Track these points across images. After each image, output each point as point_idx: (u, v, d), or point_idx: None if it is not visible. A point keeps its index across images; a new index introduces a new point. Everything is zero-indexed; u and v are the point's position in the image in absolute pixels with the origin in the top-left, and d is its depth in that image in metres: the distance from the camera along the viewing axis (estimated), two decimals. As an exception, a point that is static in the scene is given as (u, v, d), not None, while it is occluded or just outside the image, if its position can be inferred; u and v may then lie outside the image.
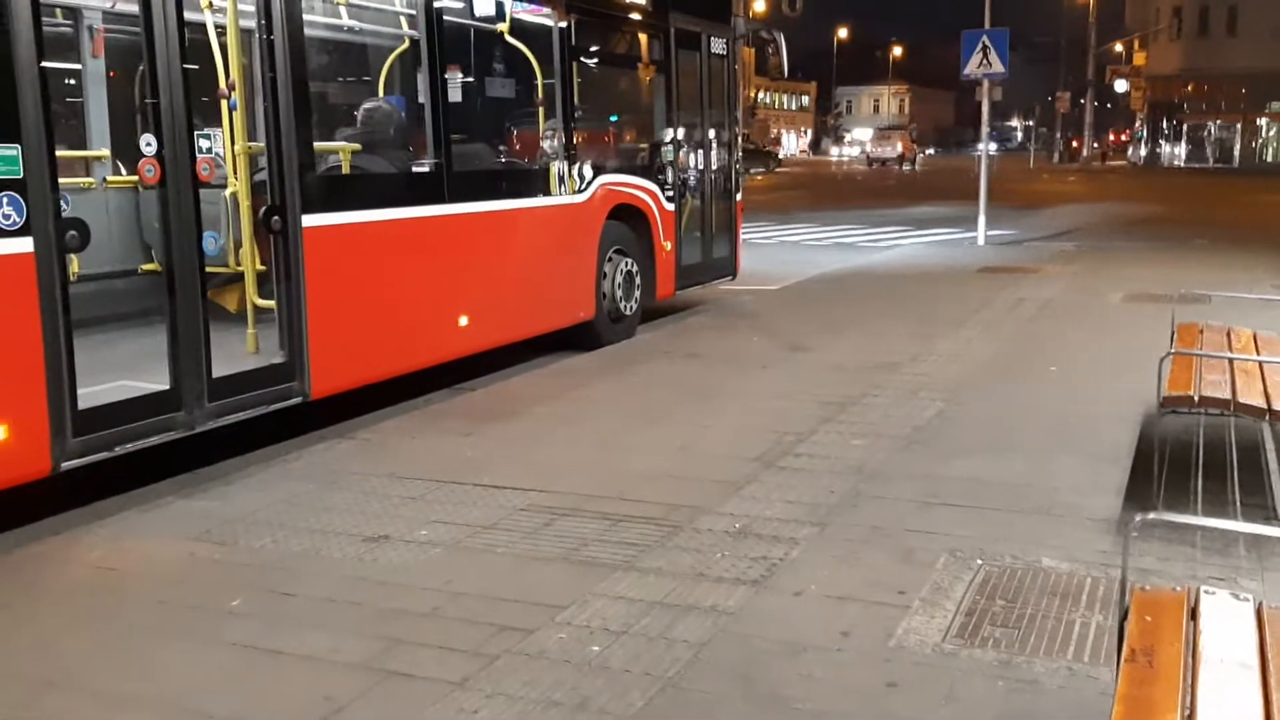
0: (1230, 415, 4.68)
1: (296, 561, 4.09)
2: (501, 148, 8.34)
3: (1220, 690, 2.06)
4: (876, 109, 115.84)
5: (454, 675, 3.16)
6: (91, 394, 4.71)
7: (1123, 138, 78.81)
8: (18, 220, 4.32)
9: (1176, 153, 62.30)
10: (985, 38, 15.82)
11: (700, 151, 10.24)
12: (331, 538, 4.32)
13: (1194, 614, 2.38)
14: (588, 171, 8.35)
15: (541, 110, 8.10)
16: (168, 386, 5.06)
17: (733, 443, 5.55)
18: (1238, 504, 4.58)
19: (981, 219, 16.55)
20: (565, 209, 8.13)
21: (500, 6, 7.42)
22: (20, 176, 4.32)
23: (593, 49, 8.78)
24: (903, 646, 3.32)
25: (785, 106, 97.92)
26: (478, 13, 7.32)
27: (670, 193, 9.54)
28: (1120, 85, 63.38)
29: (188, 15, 5.11)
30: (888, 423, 5.89)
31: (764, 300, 11.07)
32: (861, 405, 6.29)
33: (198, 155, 5.21)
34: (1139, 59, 62.86)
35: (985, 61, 15.75)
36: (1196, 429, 5.51)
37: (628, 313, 8.99)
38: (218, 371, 5.26)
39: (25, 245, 4.35)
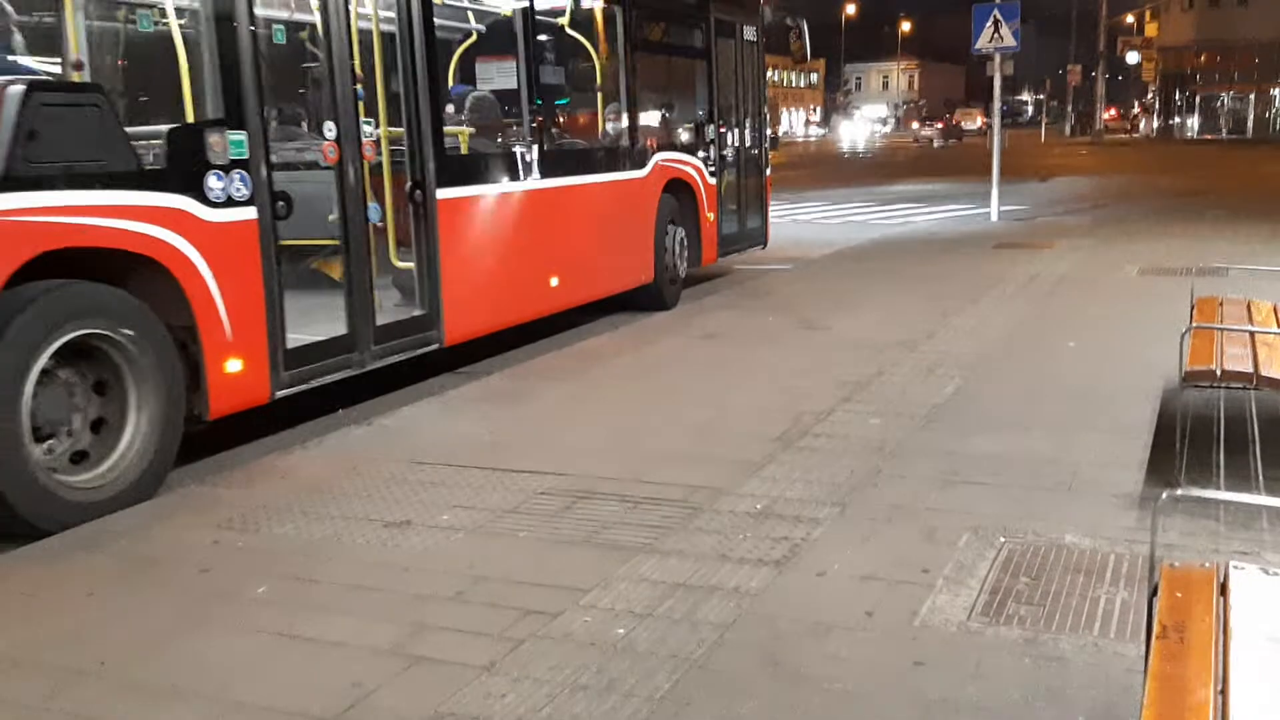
0: (1252, 389, 4.66)
1: (320, 548, 4.10)
2: (579, 130, 9.29)
3: (1253, 665, 2.05)
4: (886, 85, 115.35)
5: (480, 659, 3.17)
6: (292, 337, 5.66)
7: (1119, 112, 78.33)
8: (246, 193, 5.31)
9: (1190, 124, 61.91)
10: (996, 11, 15.74)
11: (736, 130, 11.35)
12: (354, 524, 4.33)
13: (1224, 589, 2.37)
14: (647, 150, 9.44)
15: (610, 95, 9.18)
16: (345, 332, 6.08)
17: (751, 423, 5.55)
18: (1260, 478, 4.55)
19: (994, 194, 16.49)
20: (631, 183, 9.21)
21: (576, 6, 8.61)
22: (247, 157, 5.29)
23: (648, 40, 9.76)
24: (928, 625, 3.32)
25: (794, 84, 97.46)
26: (560, 13, 8.47)
27: (713, 168, 10.65)
28: (1132, 57, 62.98)
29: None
30: (906, 400, 5.88)
31: (778, 279, 11.04)
32: (879, 383, 6.28)
33: (363, 139, 6.13)
34: (1150, 30, 62.44)
35: (997, 35, 15.68)
36: (1217, 403, 5.48)
37: (681, 275, 10.18)
38: (377, 321, 6.27)
39: (251, 213, 5.36)
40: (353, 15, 6.10)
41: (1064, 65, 69.00)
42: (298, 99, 6.32)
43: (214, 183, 5.16)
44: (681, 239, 10.14)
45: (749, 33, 11.66)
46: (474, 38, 8.35)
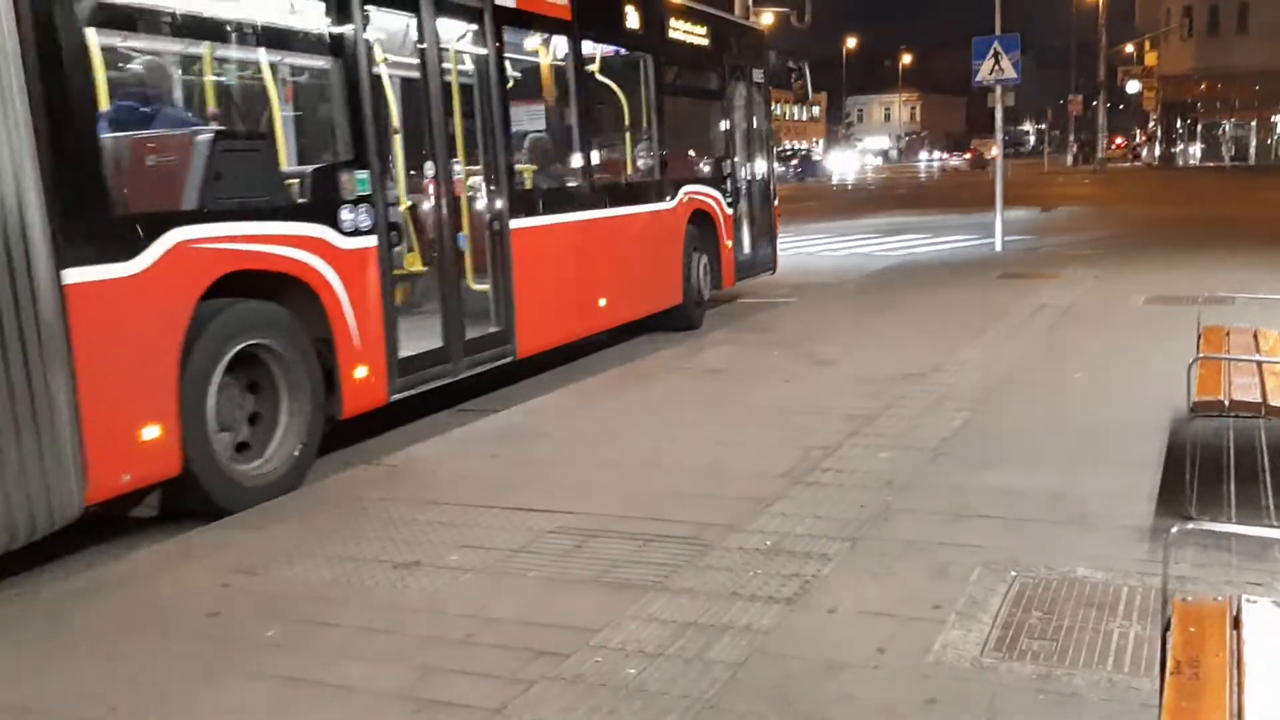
0: (1261, 419, 4.65)
1: (329, 590, 4.10)
2: (619, 166, 10.07)
3: (1268, 700, 2.04)
4: (888, 117, 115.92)
5: (491, 702, 3.16)
6: (402, 349, 6.58)
7: (1120, 141, 79.08)
8: (369, 223, 6.25)
9: (1192, 152, 62.05)
10: (996, 43, 15.84)
11: (749, 165, 12.57)
12: (362, 565, 4.32)
13: (1237, 623, 2.36)
14: (675, 183, 10.53)
15: (643, 134, 10.21)
16: (441, 345, 7.01)
17: (759, 459, 5.54)
18: (1272, 509, 4.53)
19: (998, 224, 16.51)
20: (663, 214, 10.29)
21: (614, 56, 9.60)
22: (369, 193, 6.26)
23: (673, 84, 10.78)
24: (940, 661, 3.30)
25: (796, 117, 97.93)
26: (598, 62, 9.35)
27: (730, 199, 11.75)
28: (1132, 86, 63.19)
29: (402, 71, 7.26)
30: (914, 435, 5.87)
31: (783, 312, 11.06)
32: (887, 417, 6.27)
33: (454, 177, 7.23)
34: (1150, 59, 62.68)
35: (997, 67, 15.76)
36: (1226, 433, 5.46)
37: (705, 297, 11.18)
38: (465, 336, 7.22)
39: (373, 241, 6.30)
40: (451, 72, 7.23)
41: (1065, 95, 69.30)
42: (404, 143, 7.08)
43: (346, 215, 6.10)
44: (705, 264, 11.13)
45: (757, 75, 12.76)
46: (557, 92, 9.51)
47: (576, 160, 9.04)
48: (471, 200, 7.56)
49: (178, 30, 5.70)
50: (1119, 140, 73.92)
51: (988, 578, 3.90)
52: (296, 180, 6.00)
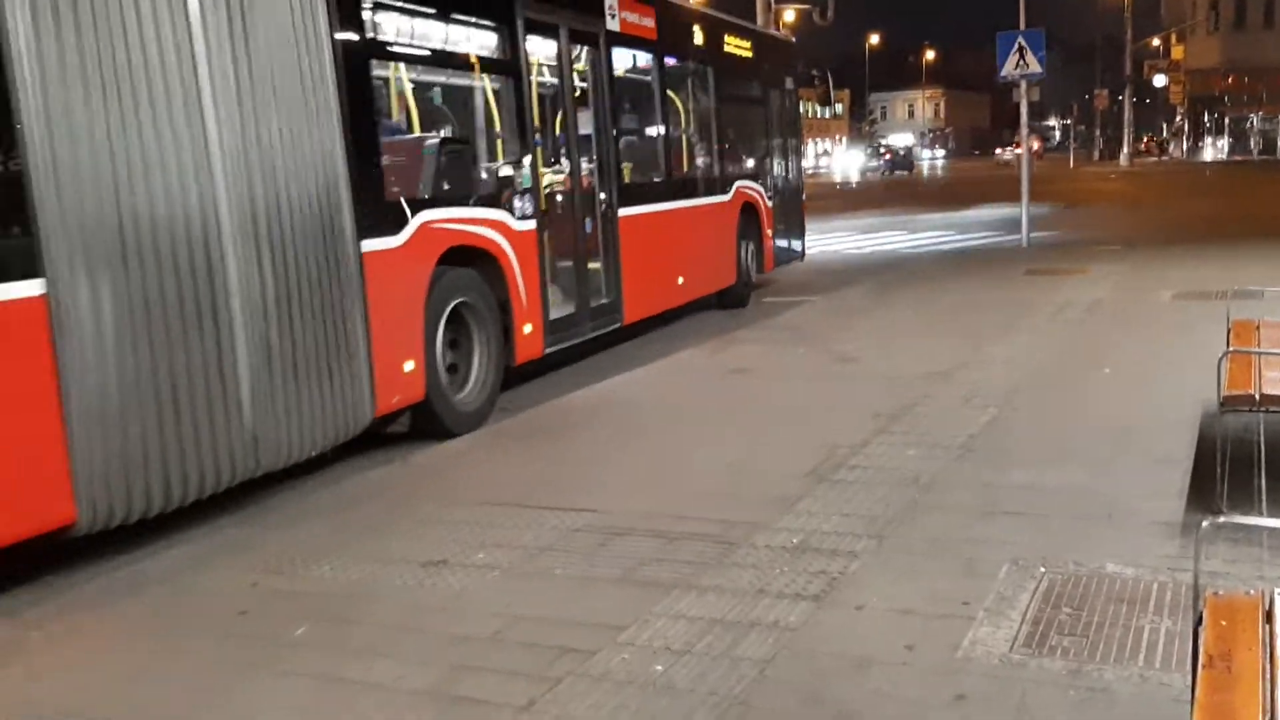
0: (1292, 413, 4.60)
1: (357, 588, 4.12)
2: (691, 163, 11.50)
3: (1303, 695, 2.02)
4: (911, 114, 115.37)
5: (520, 699, 3.17)
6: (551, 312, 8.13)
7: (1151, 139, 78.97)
8: (531, 210, 7.81)
9: (1219, 146, 61.54)
10: (1020, 39, 15.71)
11: (784, 162, 14.25)
12: (390, 564, 4.34)
13: (1269, 617, 2.34)
14: (730, 179, 12.08)
15: (706, 135, 11.73)
16: (574, 311, 8.53)
17: (785, 457, 5.53)
18: (1304, 503, 4.49)
19: (1024, 221, 16.42)
20: (722, 205, 11.86)
21: (681, 68, 11.12)
22: (530, 186, 7.84)
23: (728, 92, 12.15)
24: (970, 658, 3.28)
25: (819, 115, 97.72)
26: (675, 76, 10.92)
27: (770, 193, 13.35)
28: (1159, 80, 62.75)
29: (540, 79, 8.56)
30: (941, 432, 5.84)
31: (807, 311, 11.04)
32: (913, 415, 6.25)
33: (581, 173, 8.77)
34: (1177, 53, 62.24)
35: (1022, 62, 15.65)
36: (1257, 427, 5.41)
37: (752, 279, 12.65)
38: (572, 311, 8.58)
39: (533, 224, 7.84)
40: (576, 86, 8.76)
41: (1090, 90, 68.88)
42: (546, 145, 8.59)
43: (517, 204, 7.67)
44: (751, 250, 12.62)
45: (789, 82, 14.37)
46: (645, 98, 10.76)
47: (660, 158, 10.57)
48: (592, 193, 8.97)
49: (415, 62, 7.40)
50: (1147, 137, 73.83)
51: (1016, 574, 3.88)
52: (489, 176, 7.83)
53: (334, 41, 5.79)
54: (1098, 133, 73.47)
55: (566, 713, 3.08)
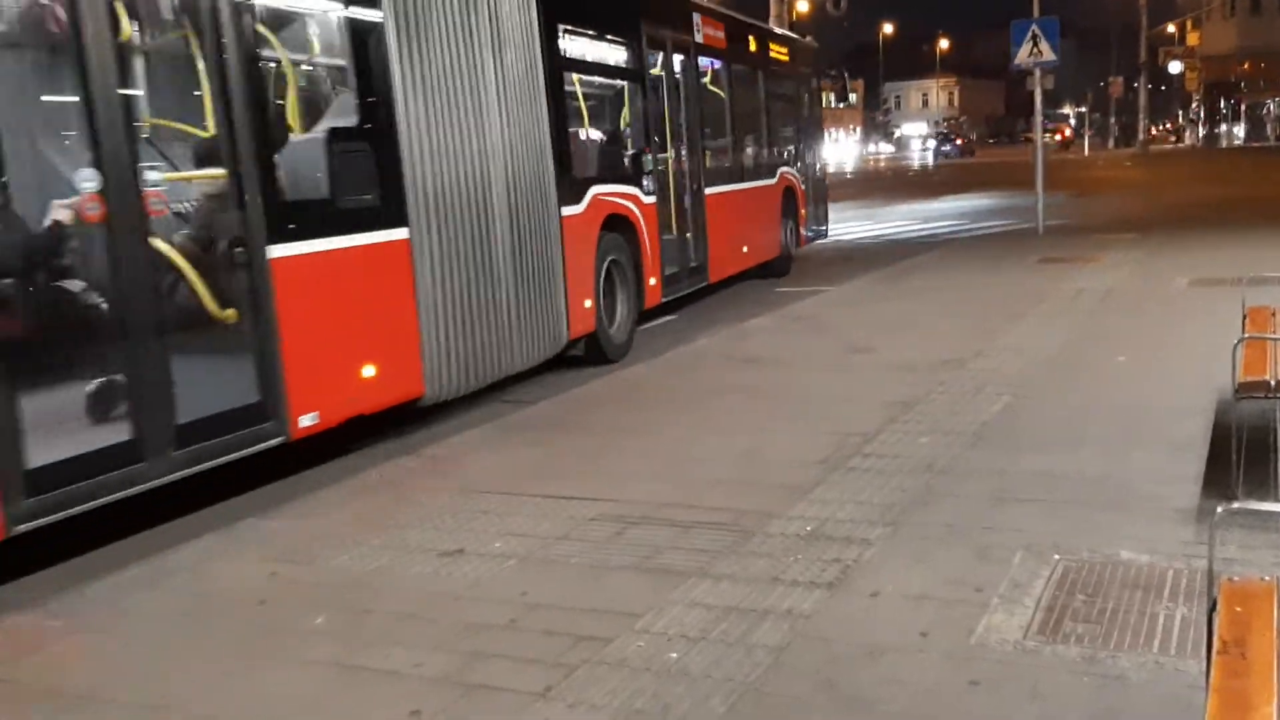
0: (1308, 399, 4.58)
1: (375, 578, 4.15)
2: (749, 151, 13.51)
3: (1317, 680, 2.03)
4: (925, 103, 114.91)
5: (536, 686, 3.20)
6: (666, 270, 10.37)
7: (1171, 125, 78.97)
8: (653, 188, 9.91)
9: (1235, 132, 61.12)
10: (1035, 26, 15.64)
11: (813, 151, 16.25)
12: (407, 553, 4.38)
13: (1284, 603, 2.34)
14: (774, 165, 14.19)
15: (760, 127, 13.87)
16: (678, 270, 10.62)
17: (798, 446, 5.54)
18: (1319, 489, 4.48)
19: (1040, 208, 16.36)
20: (770, 186, 13.96)
21: (744, 72, 13.24)
22: (651, 169, 9.89)
23: (773, 90, 14.37)
24: (984, 645, 3.30)
25: (834, 105, 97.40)
26: (737, 77, 12.87)
27: (803, 178, 15.32)
28: (1175, 67, 62.29)
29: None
30: (954, 420, 5.85)
31: (820, 301, 11.03)
32: (926, 403, 6.25)
33: (681, 159, 10.86)
34: (1192, 39, 61.74)
35: (1036, 50, 15.58)
36: (1273, 414, 5.39)
37: (792, 254, 14.58)
38: (676, 270, 10.62)
39: (654, 199, 9.91)
40: (674, 85, 10.74)
41: (1105, 77, 68.47)
42: (657, 135, 10.49)
43: (645, 182, 9.75)
44: (791, 227, 14.57)
45: (813, 80, 16.61)
46: (714, 99, 12.60)
47: (728, 146, 12.62)
48: (687, 175, 10.95)
49: (585, 74, 9.30)
50: (1163, 124, 73.82)
51: (1030, 561, 3.89)
52: (629, 160, 9.79)
53: (544, 66, 7.89)
54: (1113, 120, 73.05)
55: (583, 699, 3.11)
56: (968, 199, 28.45)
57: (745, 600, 3.71)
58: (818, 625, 3.50)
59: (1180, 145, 67.34)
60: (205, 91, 5.30)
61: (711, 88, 12.16)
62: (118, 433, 4.70)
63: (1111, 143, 68.99)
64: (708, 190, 11.39)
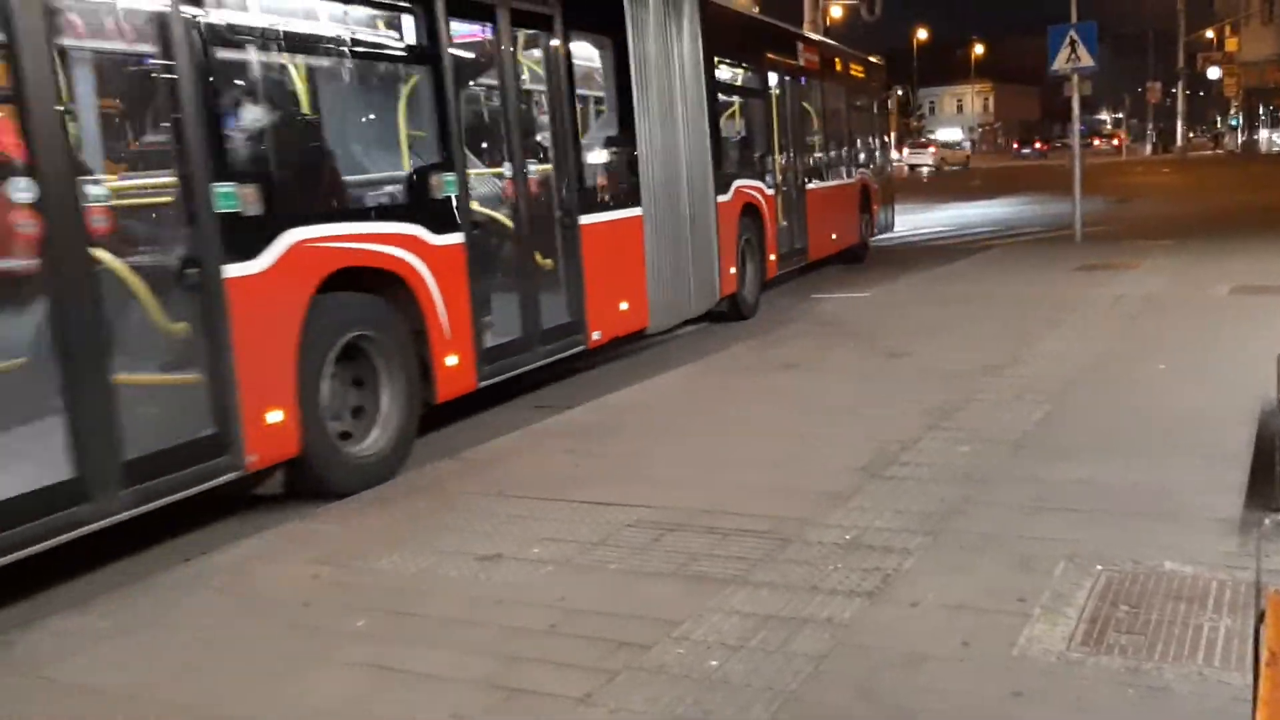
0: (1355, 409, 4.54)
1: (415, 581, 4.18)
2: (837, 154, 15.60)
3: (1368, 694, 2.01)
4: (960, 108, 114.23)
5: (576, 691, 3.21)
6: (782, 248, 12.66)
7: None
8: (774, 183, 12.23)
9: (1275, 139, 60.40)
10: (1072, 32, 15.52)
11: (882, 155, 18.64)
12: (447, 557, 4.40)
13: (1334, 616, 2.31)
14: (853, 167, 16.38)
15: (844, 134, 16.01)
16: (789, 251, 12.73)
17: (836, 452, 5.53)
18: (1366, 501, 4.42)
19: (1077, 214, 16.24)
20: (851, 184, 16.11)
21: (835, 87, 15.55)
22: (773, 166, 12.34)
23: (854, 102, 16.69)
24: (1026, 655, 3.28)
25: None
26: (830, 93, 15.26)
27: (876, 178, 17.47)
28: (1213, 72, 61.69)
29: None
30: (993, 428, 5.82)
31: (856, 306, 11.01)
32: (965, 411, 6.22)
33: (790, 159, 13.11)
34: (1231, 45, 61.07)
35: (1073, 56, 15.47)
36: (1318, 424, 5.34)
37: (868, 244, 16.76)
38: (788, 250, 12.83)
39: (774, 192, 12.25)
40: (784, 99, 13.03)
41: (1142, 83, 67.93)
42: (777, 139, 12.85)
43: (768, 178, 12.24)
44: (866, 221, 16.59)
45: (881, 93, 18.84)
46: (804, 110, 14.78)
47: (819, 149, 14.69)
48: (794, 172, 13.18)
49: (729, 92, 11.70)
50: (1200, 130, 73.55)
51: (1072, 571, 3.86)
52: (756, 159, 12.16)
53: (706, 89, 10.09)
54: (1150, 126, 72.44)
55: (624, 705, 3.12)
56: (1005, 203, 28.28)
57: (784, 608, 3.71)
58: (858, 634, 3.49)
59: (1219, 151, 66.64)
60: (548, 114, 7.84)
61: (808, 102, 14.33)
62: (554, 316, 7.67)
63: (1149, 148, 68.34)
64: (808, 186, 13.64)
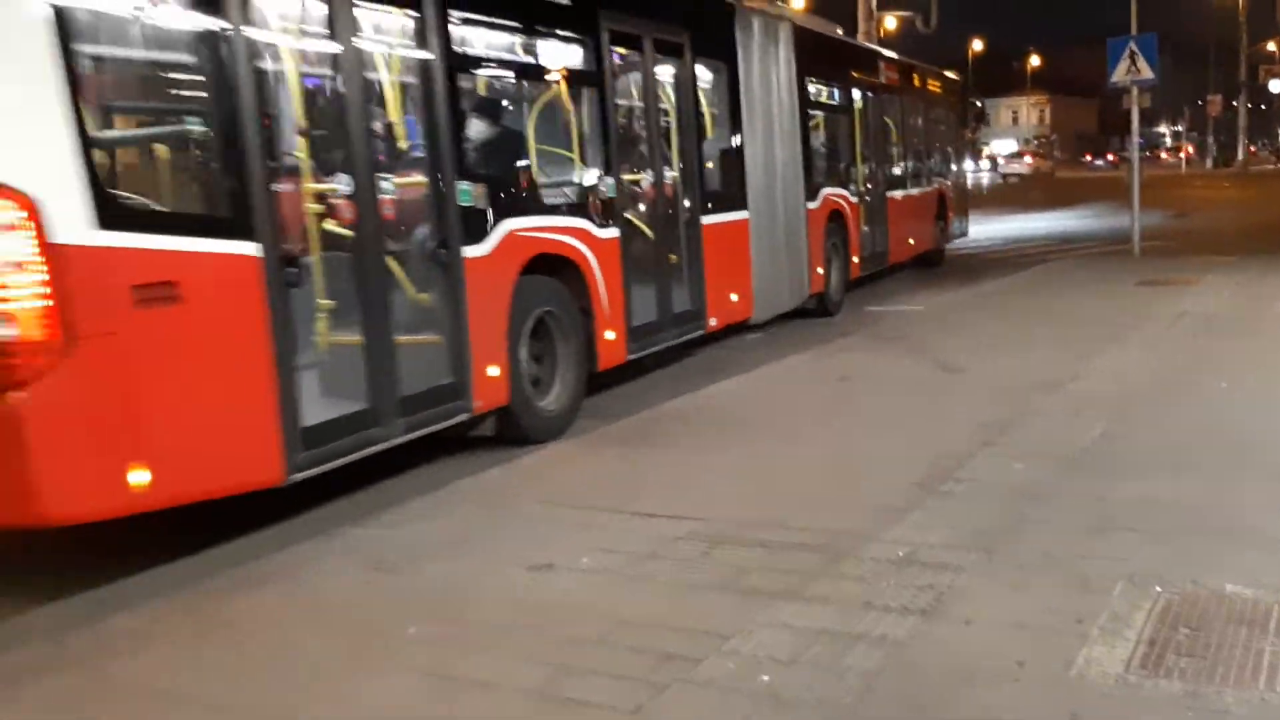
0: None
1: (466, 588, 4.19)
2: (917, 164, 16.49)
3: None
4: (1015, 120, 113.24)
5: (627, 703, 3.20)
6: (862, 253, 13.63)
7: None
8: (859, 190, 13.34)
9: (1340, 153, 59.23)
10: (1132, 44, 15.32)
11: (960, 165, 19.84)
12: (497, 564, 4.41)
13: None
14: (931, 176, 17.23)
15: (925, 147, 17.04)
16: (872, 254, 13.72)
17: (890, 467, 5.48)
18: None
19: (1135, 228, 16.03)
20: (928, 193, 16.87)
21: (919, 104, 16.77)
22: (856, 177, 13.38)
23: (929, 117, 17.38)
24: (1083, 677, 3.22)
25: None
26: (911, 109, 16.27)
27: (952, 187, 18.47)
28: (1275, 85, 60.61)
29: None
30: (1050, 444, 5.74)
31: (911, 319, 10.93)
32: (1021, 426, 6.15)
33: (878, 171, 14.25)
34: (1294, 56, 60.06)
35: (1133, 68, 15.27)
36: (1386, 446, 5.22)
37: (944, 248, 17.85)
38: (869, 253, 13.65)
39: (857, 199, 13.29)
40: (870, 115, 14.06)
41: (1202, 95, 66.98)
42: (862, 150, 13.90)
43: (851, 187, 13.20)
44: (941, 227, 17.47)
45: (959, 107, 19.88)
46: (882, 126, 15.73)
47: (900, 160, 15.61)
48: (875, 181, 14.01)
49: (818, 109, 12.62)
50: (1261, 143, 72.40)
51: (1131, 592, 3.79)
52: (843, 170, 13.24)
53: (798, 104, 11.20)
54: (1210, 139, 71.38)
55: (674, 718, 3.10)
56: (1063, 215, 27.96)
57: (836, 624, 3.67)
58: (911, 652, 3.45)
59: (1279, 166, 65.50)
60: (678, 129, 8.94)
61: (889, 116, 15.11)
62: (682, 303, 8.83)
63: (1209, 162, 67.31)
64: (889, 194, 14.43)
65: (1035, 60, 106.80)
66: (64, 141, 4.08)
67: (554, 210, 7.23)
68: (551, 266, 7.01)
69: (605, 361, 7.61)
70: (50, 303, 4.02)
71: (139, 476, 4.29)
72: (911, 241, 15.52)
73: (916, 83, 16.77)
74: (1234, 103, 62.07)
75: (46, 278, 4.01)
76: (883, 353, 8.94)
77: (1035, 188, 49.83)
